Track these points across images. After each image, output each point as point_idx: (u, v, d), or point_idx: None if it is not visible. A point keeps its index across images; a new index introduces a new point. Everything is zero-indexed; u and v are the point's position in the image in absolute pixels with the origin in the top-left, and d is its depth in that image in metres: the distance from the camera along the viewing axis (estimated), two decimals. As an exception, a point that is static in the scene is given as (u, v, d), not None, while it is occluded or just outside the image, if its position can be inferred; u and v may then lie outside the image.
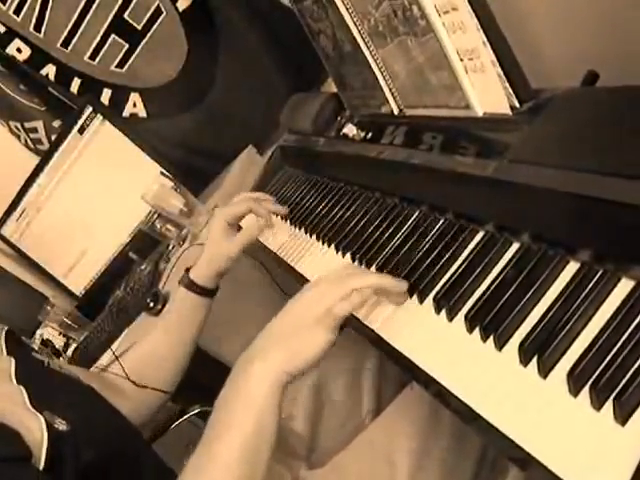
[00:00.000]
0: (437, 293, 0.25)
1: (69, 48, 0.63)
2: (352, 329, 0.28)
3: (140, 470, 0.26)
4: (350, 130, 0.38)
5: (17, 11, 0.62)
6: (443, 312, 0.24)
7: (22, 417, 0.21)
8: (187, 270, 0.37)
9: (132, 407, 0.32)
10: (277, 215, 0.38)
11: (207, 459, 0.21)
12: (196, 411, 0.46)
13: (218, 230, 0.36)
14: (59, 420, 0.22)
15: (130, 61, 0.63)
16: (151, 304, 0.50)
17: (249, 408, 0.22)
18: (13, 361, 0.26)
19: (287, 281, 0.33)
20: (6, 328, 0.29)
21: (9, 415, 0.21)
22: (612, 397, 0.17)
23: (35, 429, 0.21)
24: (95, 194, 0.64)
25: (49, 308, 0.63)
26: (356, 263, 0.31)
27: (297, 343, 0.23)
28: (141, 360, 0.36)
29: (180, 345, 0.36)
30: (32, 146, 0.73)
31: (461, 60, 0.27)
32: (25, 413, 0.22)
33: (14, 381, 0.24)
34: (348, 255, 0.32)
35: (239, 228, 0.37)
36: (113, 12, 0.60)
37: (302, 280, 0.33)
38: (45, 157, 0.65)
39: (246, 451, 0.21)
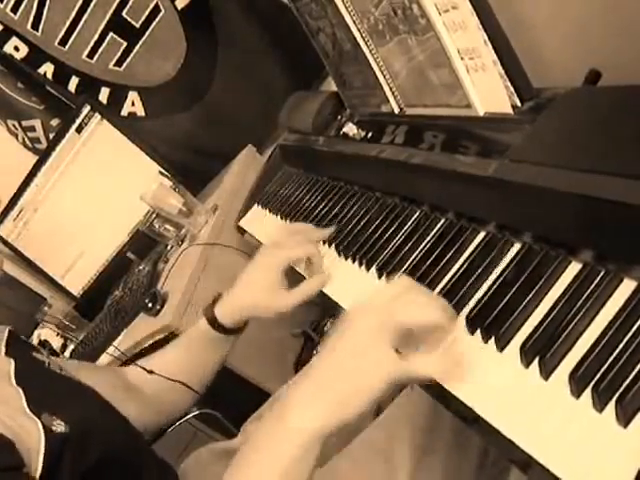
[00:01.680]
0: (438, 294, 0.25)
1: (67, 46, 0.62)
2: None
3: (141, 471, 0.26)
4: (350, 129, 0.38)
5: (14, 9, 0.61)
6: (444, 313, 0.24)
7: (19, 422, 0.21)
8: (214, 301, 0.31)
9: (140, 413, 0.30)
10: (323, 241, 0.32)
11: None
12: (195, 413, 0.46)
13: (271, 274, 0.29)
14: (57, 422, 0.21)
15: (128, 60, 0.62)
16: (149, 304, 0.49)
17: (279, 462, 0.20)
18: (12, 362, 0.25)
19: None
20: (8, 328, 0.28)
21: (6, 419, 0.20)
22: (614, 398, 0.17)
23: (33, 434, 0.20)
24: (93, 194, 0.64)
25: (47, 309, 0.63)
26: (356, 264, 0.31)
27: (348, 393, 0.19)
28: (154, 395, 0.32)
29: (198, 375, 0.33)
30: (30, 145, 0.73)
31: (462, 59, 0.27)
32: (22, 418, 0.21)
33: (13, 382, 0.24)
34: (348, 255, 0.32)
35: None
36: (111, 10, 0.60)
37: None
38: (43, 156, 0.65)
39: None
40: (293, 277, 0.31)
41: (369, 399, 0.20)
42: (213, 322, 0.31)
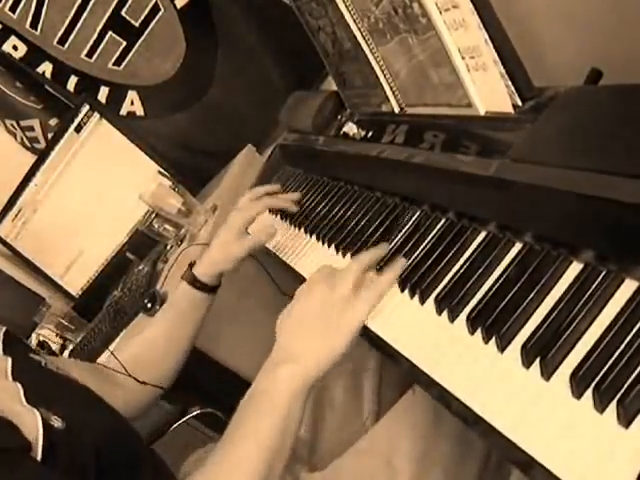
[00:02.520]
0: (439, 294, 0.25)
1: (66, 46, 0.62)
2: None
3: (138, 470, 0.26)
4: (350, 129, 0.38)
5: (13, 8, 0.61)
6: (445, 313, 0.24)
7: (18, 412, 0.21)
8: (190, 266, 0.37)
9: (127, 400, 0.32)
10: (289, 206, 0.38)
11: (230, 458, 0.21)
12: (195, 413, 0.46)
13: (232, 231, 0.36)
14: (55, 417, 0.21)
15: (128, 59, 0.62)
16: (149, 305, 0.49)
17: (274, 412, 0.21)
18: (10, 360, 0.25)
19: (286, 281, 0.32)
20: (4, 329, 0.28)
21: (6, 409, 0.20)
22: (616, 399, 0.17)
23: (31, 424, 0.20)
24: (92, 193, 0.64)
25: (45, 309, 0.63)
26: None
27: (328, 336, 0.22)
28: (138, 354, 0.35)
29: (178, 340, 0.36)
30: (28, 145, 0.73)
31: (463, 58, 0.26)
32: (21, 408, 0.21)
33: (10, 378, 0.24)
34: (348, 255, 0.32)
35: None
36: (110, 9, 0.60)
37: (302, 280, 0.33)
38: (41, 156, 0.65)
39: (268, 453, 0.21)
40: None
41: (350, 338, 0.22)
42: (193, 281, 0.36)
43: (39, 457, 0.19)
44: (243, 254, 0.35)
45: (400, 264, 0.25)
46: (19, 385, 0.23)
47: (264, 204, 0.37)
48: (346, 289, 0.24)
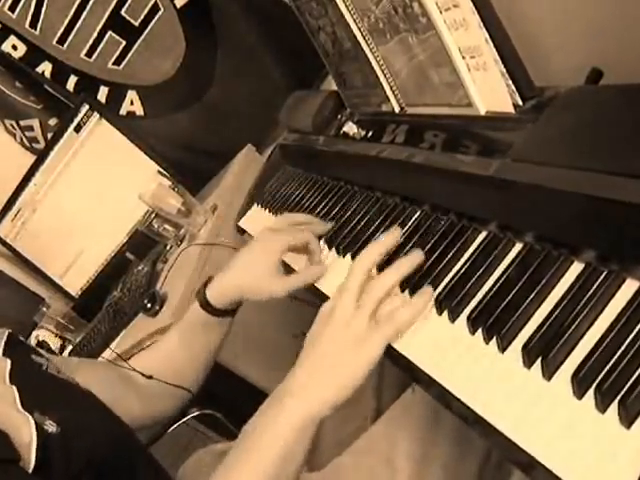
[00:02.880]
0: (439, 294, 0.25)
1: (65, 45, 0.62)
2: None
3: (137, 476, 0.26)
4: (350, 128, 0.38)
5: (12, 8, 0.61)
6: (445, 313, 0.24)
7: (11, 417, 0.21)
8: (205, 284, 0.31)
9: (143, 403, 0.30)
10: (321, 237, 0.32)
11: None
12: (195, 414, 0.45)
13: (268, 260, 0.29)
14: (49, 422, 0.21)
15: (127, 58, 0.62)
16: (148, 305, 0.49)
17: (275, 444, 0.21)
18: (9, 362, 0.25)
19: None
20: (8, 331, 0.28)
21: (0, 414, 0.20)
22: (617, 400, 0.17)
23: (24, 429, 0.20)
24: (92, 193, 0.64)
25: (45, 309, 0.62)
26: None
27: (339, 374, 0.22)
28: (156, 364, 0.33)
29: (197, 355, 0.33)
30: (28, 145, 0.73)
31: (463, 58, 0.26)
32: (15, 413, 0.21)
33: (7, 381, 0.24)
34: (348, 256, 0.32)
35: None
36: (110, 9, 0.60)
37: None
38: (41, 156, 0.65)
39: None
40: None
41: (363, 376, 0.22)
42: (205, 305, 0.31)
43: (32, 465, 0.19)
44: (285, 294, 0.29)
45: (427, 294, 0.23)
46: (15, 389, 0.23)
47: (309, 234, 0.30)
48: (362, 323, 0.22)
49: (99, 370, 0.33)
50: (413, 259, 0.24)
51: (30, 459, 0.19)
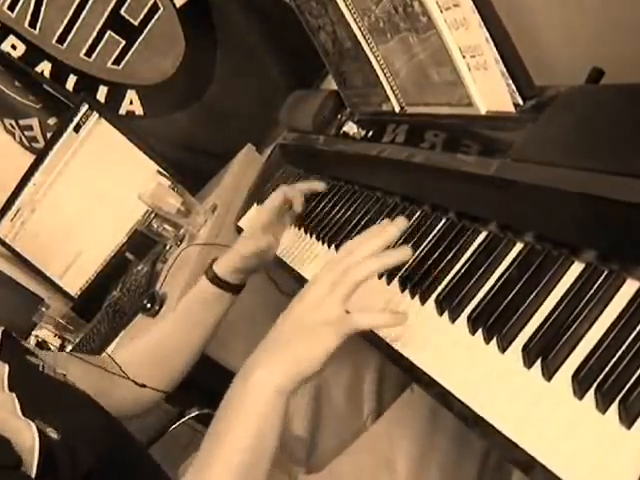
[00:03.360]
0: (439, 294, 0.25)
1: (65, 45, 0.62)
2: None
3: (136, 476, 0.26)
4: (350, 128, 0.38)
5: (11, 7, 0.61)
6: (445, 313, 0.24)
7: (13, 425, 0.21)
8: (212, 262, 0.34)
9: (125, 398, 0.31)
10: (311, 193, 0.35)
11: (205, 470, 0.20)
12: (194, 414, 0.45)
13: (262, 224, 0.34)
14: (50, 429, 0.21)
15: (127, 58, 0.62)
16: (148, 305, 0.49)
17: (247, 419, 0.21)
18: (7, 367, 0.25)
19: (286, 281, 0.32)
20: (2, 329, 0.28)
21: (1, 423, 0.20)
22: (618, 400, 0.17)
23: (27, 436, 0.20)
24: (91, 193, 0.63)
25: (44, 309, 0.62)
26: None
27: (302, 348, 0.22)
28: (142, 353, 0.34)
29: (187, 343, 0.34)
30: (27, 144, 0.72)
31: (464, 57, 0.26)
32: (16, 421, 0.21)
33: (6, 389, 0.24)
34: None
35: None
36: (109, 8, 0.59)
37: (302, 281, 0.33)
38: (40, 155, 0.64)
39: (243, 465, 0.20)
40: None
41: (323, 354, 0.21)
42: (213, 278, 0.33)
43: (34, 472, 0.19)
44: (279, 236, 0.33)
45: (401, 316, 0.22)
46: (14, 396, 0.23)
47: (282, 191, 0.34)
48: (332, 306, 0.22)
49: (85, 365, 0.32)
50: (399, 255, 0.23)
51: (32, 465, 0.19)
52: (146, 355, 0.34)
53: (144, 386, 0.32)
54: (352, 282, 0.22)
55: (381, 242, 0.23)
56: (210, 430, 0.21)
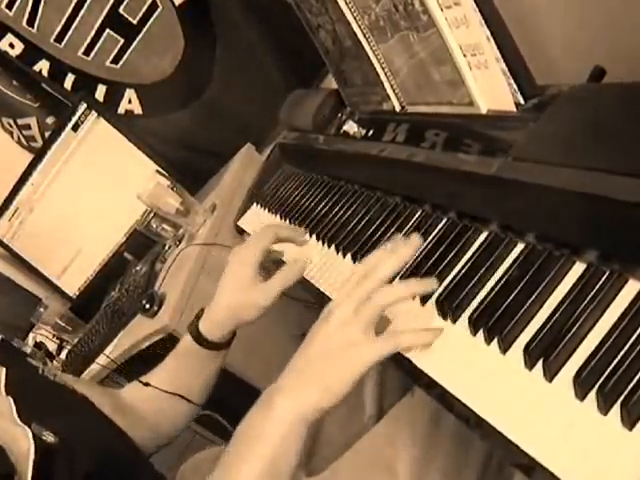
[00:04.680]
0: (440, 295, 0.24)
1: (63, 43, 0.62)
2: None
3: None
4: (351, 127, 0.37)
5: (9, 5, 0.60)
6: (446, 314, 0.24)
7: (8, 430, 0.21)
8: (198, 316, 0.30)
9: (145, 430, 0.29)
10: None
11: None
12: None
13: (245, 274, 0.27)
14: (47, 432, 0.21)
15: (125, 57, 0.62)
16: (147, 306, 0.49)
17: (266, 447, 0.20)
18: (4, 371, 0.25)
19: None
20: (0, 337, 0.28)
21: None
22: (619, 401, 0.17)
23: (22, 442, 0.20)
24: (89, 193, 0.63)
25: (42, 310, 0.62)
26: (357, 264, 0.30)
27: (328, 375, 0.21)
28: (154, 395, 0.31)
29: (192, 388, 0.31)
30: (25, 143, 0.72)
31: (464, 56, 0.26)
32: (12, 426, 0.21)
33: (3, 393, 0.24)
34: (349, 256, 0.31)
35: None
36: (108, 6, 0.59)
37: (301, 281, 0.32)
38: (38, 155, 0.64)
39: (260, 478, 0.20)
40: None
41: (350, 380, 0.21)
42: (198, 339, 0.30)
43: (28, 478, 0.19)
44: (270, 301, 0.27)
45: (438, 329, 0.21)
46: (11, 400, 0.23)
47: (274, 231, 0.29)
48: (357, 330, 0.21)
49: (92, 393, 0.30)
50: (426, 285, 0.22)
51: (27, 472, 0.19)
52: (148, 409, 0.31)
53: (177, 394, 0.30)
54: (378, 306, 0.22)
55: (398, 263, 0.22)
56: (228, 451, 0.21)
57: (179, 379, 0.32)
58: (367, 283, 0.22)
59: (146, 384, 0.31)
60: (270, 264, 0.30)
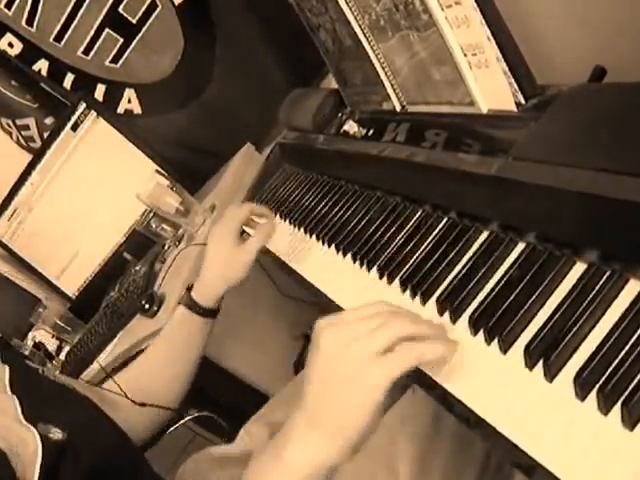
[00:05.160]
0: (440, 295, 0.24)
1: (62, 43, 0.61)
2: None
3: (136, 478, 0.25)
4: (351, 127, 0.37)
5: (8, 5, 0.60)
6: (446, 314, 0.24)
7: (15, 431, 0.20)
8: (188, 289, 0.34)
9: (130, 425, 0.29)
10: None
11: None
12: (192, 416, 0.45)
13: (227, 239, 0.33)
14: (55, 430, 0.21)
15: (125, 56, 0.61)
16: (146, 306, 0.49)
17: None
18: (7, 369, 0.25)
19: (285, 282, 0.31)
20: None
21: (2, 429, 0.20)
22: (620, 401, 0.17)
23: (29, 442, 0.20)
24: (89, 193, 0.63)
25: (41, 310, 0.62)
26: (357, 264, 0.30)
27: (335, 418, 0.17)
28: (139, 377, 0.34)
29: (181, 365, 0.34)
30: (24, 143, 0.72)
31: (465, 55, 0.26)
32: (17, 426, 0.21)
33: (8, 391, 0.24)
34: (349, 256, 0.31)
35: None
36: (107, 6, 0.59)
37: (302, 281, 0.32)
38: (37, 155, 0.64)
39: None
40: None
41: (365, 419, 0.18)
42: (193, 306, 0.33)
43: (35, 478, 0.19)
44: (253, 256, 0.32)
45: (453, 344, 0.18)
46: (16, 399, 0.23)
47: (248, 207, 0.34)
48: (363, 353, 0.17)
49: (85, 390, 0.31)
50: (451, 347, 0.19)
51: (34, 473, 0.19)
52: (141, 382, 0.33)
53: (143, 405, 0.32)
54: (398, 332, 0.18)
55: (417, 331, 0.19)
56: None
57: (174, 348, 0.34)
58: (391, 308, 0.19)
59: (142, 405, 0.32)
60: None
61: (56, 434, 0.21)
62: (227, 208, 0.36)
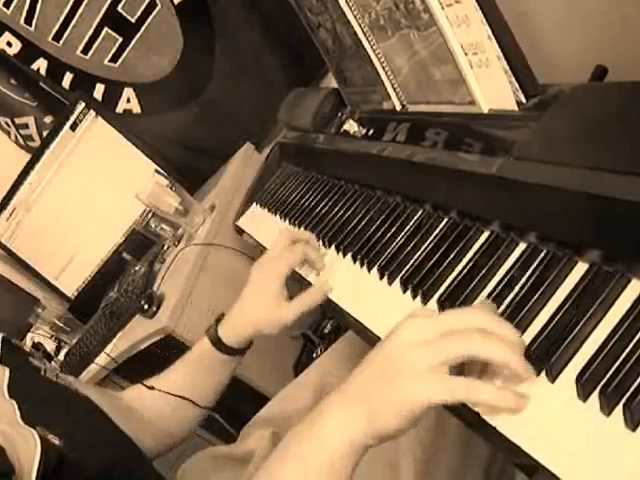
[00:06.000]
0: (441, 295, 0.24)
1: (61, 42, 0.61)
2: (355, 332, 0.27)
3: None
4: (351, 127, 0.37)
5: (7, 4, 0.60)
6: (447, 314, 0.24)
7: (13, 433, 0.20)
8: (217, 320, 0.30)
9: (148, 435, 0.29)
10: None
11: None
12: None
13: (271, 286, 0.28)
14: (52, 435, 0.21)
15: (124, 55, 0.61)
16: (145, 306, 0.48)
17: (310, 471, 0.18)
18: (7, 372, 0.25)
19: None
20: (2, 336, 0.27)
21: (1, 427, 0.20)
22: (622, 402, 0.17)
23: (28, 445, 0.20)
24: (88, 192, 0.63)
25: (40, 310, 0.62)
26: (357, 264, 0.30)
27: (374, 400, 0.17)
28: (150, 397, 0.31)
29: (197, 394, 0.31)
30: (23, 143, 0.72)
31: (465, 54, 0.26)
32: (16, 429, 0.21)
33: (6, 395, 0.23)
34: (349, 256, 0.31)
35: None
36: (106, 5, 0.59)
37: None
38: (36, 154, 0.64)
39: None
40: (297, 287, 0.30)
41: (395, 419, 0.17)
42: (217, 343, 0.30)
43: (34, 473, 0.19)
44: (293, 320, 0.28)
45: (523, 399, 0.16)
46: (14, 403, 0.22)
47: (304, 250, 0.29)
48: (427, 359, 0.17)
49: (94, 398, 0.29)
50: (529, 372, 0.17)
51: (32, 472, 0.19)
52: (161, 410, 0.30)
53: (183, 397, 0.29)
54: (469, 353, 0.17)
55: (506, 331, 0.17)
56: (265, 468, 0.19)
57: (192, 383, 0.31)
58: (473, 320, 0.18)
59: (151, 388, 0.31)
60: (289, 280, 0.30)
61: (54, 440, 0.20)
62: (280, 239, 0.30)
